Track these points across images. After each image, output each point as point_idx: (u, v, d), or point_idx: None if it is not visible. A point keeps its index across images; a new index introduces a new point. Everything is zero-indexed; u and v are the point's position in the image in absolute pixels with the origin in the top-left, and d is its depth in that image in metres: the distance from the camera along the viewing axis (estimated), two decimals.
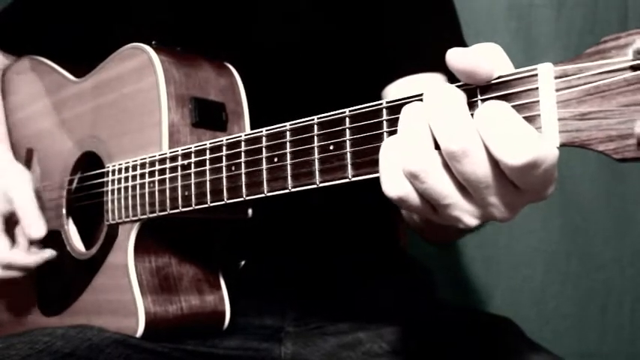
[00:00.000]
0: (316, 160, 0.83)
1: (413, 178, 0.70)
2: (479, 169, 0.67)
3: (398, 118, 0.75)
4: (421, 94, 0.74)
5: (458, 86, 0.71)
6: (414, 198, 0.72)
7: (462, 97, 0.69)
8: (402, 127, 0.71)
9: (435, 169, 0.69)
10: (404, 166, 0.70)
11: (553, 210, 2.02)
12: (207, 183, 0.99)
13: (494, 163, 0.66)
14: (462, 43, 1.31)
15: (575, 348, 1.99)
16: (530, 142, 0.63)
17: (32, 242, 1.26)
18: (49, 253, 1.27)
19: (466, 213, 0.72)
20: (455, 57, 0.68)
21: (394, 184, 0.72)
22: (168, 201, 1.06)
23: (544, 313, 2.03)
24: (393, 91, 1.28)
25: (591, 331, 2.03)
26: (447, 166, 0.69)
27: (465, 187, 0.70)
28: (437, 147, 0.69)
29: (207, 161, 1.00)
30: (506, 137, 0.64)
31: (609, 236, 2.03)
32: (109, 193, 1.17)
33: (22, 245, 1.28)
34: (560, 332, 2.01)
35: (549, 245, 2.04)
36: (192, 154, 1.02)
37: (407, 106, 0.72)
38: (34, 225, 1.23)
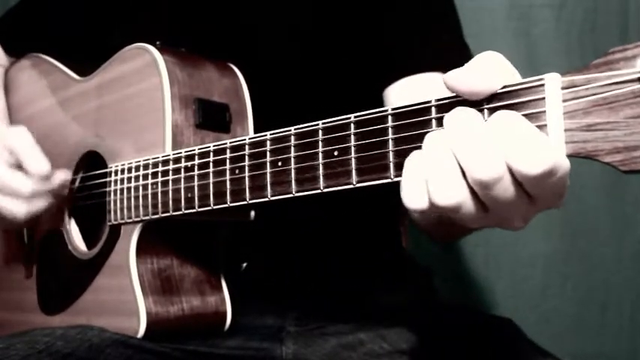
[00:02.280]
0: (320, 166, 0.83)
1: (444, 211, 0.70)
2: (507, 192, 0.67)
3: (402, 124, 0.75)
4: (427, 102, 0.74)
5: None
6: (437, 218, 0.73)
7: (484, 124, 0.68)
8: (426, 159, 0.70)
9: (467, 199, 0.69)
10: (435, 201, 0.69)
11: (553, 210, 2.01)
12: (211, 185, 0.99)
13: (517, 181, 0.66)
14: (462, 44, 1.31)
15: (575, 348, 1.99)
16: (546, 150, 0.63)
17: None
18: (63, 174, 1.23)
19: (483, 224, 0.72)
20: (451, 81, 0.69)
21: (421, 210, 0.72)
22: (170, 202, 1.06)
23: (544, 313, 2.03)
24: (395, 91, 1.28)
25: (591, 331, 2.03)
26: (473, 192, 0.69)
27: (489, 206, 0.70)
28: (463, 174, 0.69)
29: (211, 163, 1.00)
30: (521, 147, 0.64)
31: (609, 236, 2.03)
32: (112, 193, 1.16)
33: None
34: (560, 332, 2.01)
35: (549, 245, 2.04)
36: (196, 156, 1.02)
37: (429, 135, 0.71)
38: (37, 162, 1.20)
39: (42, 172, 1.20)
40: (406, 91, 1.26)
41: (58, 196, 1.24)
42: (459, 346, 1.14)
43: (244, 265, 1.27)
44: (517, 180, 0.66)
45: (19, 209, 1.21)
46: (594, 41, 1.94)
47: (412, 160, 0.71)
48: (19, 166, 1.22)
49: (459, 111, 0.69)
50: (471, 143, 0.66)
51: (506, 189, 0.67)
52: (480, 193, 0.68)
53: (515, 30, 2.03)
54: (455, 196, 0.68)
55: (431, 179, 0.69)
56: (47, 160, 1.21)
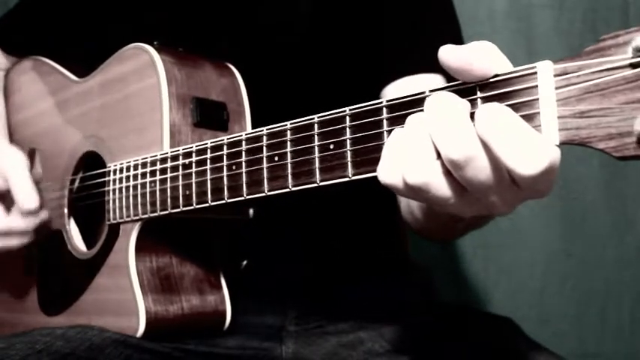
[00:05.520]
0: (316, 159, 0.83)
1: (414, 190, 0.70)
2: (481, 174, 0.67)
3: (398, 116, 0.76)
4: (421, 92, 0.74)
5: (457, 84, 0.71)
6: (416, 200, 0.74)
7: (462, 105, 0.69)
8: (403, 138, 0.71)
9: (436, 179, 0.70)
10: (405, 179, 0.70)
11: (553, 210, 2.01)
12: (208, 182, 1.00)
13: (496, 166, 0.66)
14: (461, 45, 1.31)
15: (575, 348, 1.99)
16: (542, 151, 0.63)
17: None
18: (43, 213, 1.25)
19: (465, 209, 0.72)
20: (447, 54, 0.69)
21: (394, 185, 0.72)
22: (169, 200, 1.06)
23: (544, 313, 2.03)
24: (392, 91, 1.28)
25: (591, 331, 2.03)
26: (448, 173, 0.69)
27: (467, 188, 0.70)
28: (439, 155, 0.69)
29: (209, 160, 1.00)
30: (518, 148, 0.63)
31: (609, 236, 2.03)
32: (111, 192, 1.17)
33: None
34: (560, 332, 2.01)
35: (549, 245, 2.04)
36: (194, 154, 1.03)
37: (410, 116, 0.72)
38: (27, 196, 1.21)
39: (30, 209, 1.21)
40: (404, 92, 1.26)
41: (34, 234, 1.26)
42: (459, 345, 1.14)
43: (244, 263, 1.27)
44: (495, 164, 0.66)
45: None
46: (594, 41, 1.93)
47: (392, 138, 0.72)
48: (6, 194, 1.24)
49: (440, 94, 0.70)
50: (445, 122, 0.67)
51: (480, 170, 0.66)
52: (455, 174, 0.68)
53: (516, 30, 2.03)
54: (424, 175, 0.69)
55: (403, 157, 0.70)
56: (37, 197, 1.22)
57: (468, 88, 0.71)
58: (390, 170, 0.71)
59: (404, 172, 0.70)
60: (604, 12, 1.99)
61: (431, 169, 0.69)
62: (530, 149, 0.63)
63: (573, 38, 2.01)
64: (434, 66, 1.23)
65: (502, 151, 0.64)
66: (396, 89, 1.27)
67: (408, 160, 0.69)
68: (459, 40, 1.32)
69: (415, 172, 0.69)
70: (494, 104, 0.66)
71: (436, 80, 1.25)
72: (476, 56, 0.68)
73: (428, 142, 0.69)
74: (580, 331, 2.03)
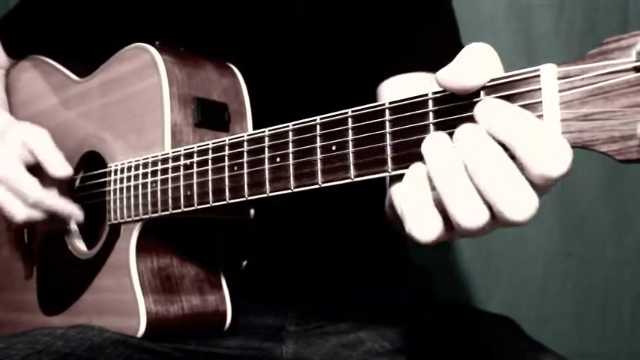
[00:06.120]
0: (318, 161, 0.83)
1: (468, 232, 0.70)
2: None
3: (400, 118, 0.76)
4: (424, 95, 0.75)
5: None
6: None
7: (460, 159, 0.68)
8: (442, 178, 0.69)
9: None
10: (461, 224, 0.68)
11: (553, 210, 2.01)
12: (210, 183, 0.99)
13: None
14: (459, 45, 1.31)
15: (574, 348, 1.98)
16: (567, 151, 0.62)
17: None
18: (77, 212, 1.25)
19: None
20: (441, 79, 0.69)
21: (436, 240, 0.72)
22: (170, 201, 1.06)
23: (544, 313, 2.03)
24: (388, 87, 1.28)
25: (591, 331, 2.03)
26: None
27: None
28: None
29: (210, 161, 1.00)
30: (546, 152, 0.62)
31: (609, 236, 2.03)
32: (111, 192, 1.17)
33: None
34: (560, 332, 2.01)
35: (549, 245, 2.04)
36: (195, 154, 1.02)
37: (414, 167, 0.72)
38: (60, 166, 1.22)
39: (63, 175, 1.22)
40: (399, 88, 1.26)
41: (56, 213, 1.25)
42: (459, 345, 1.15)
43: (244, 263, 1.27)
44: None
45: (17, 211, 1.23)
46: (594, 41, 1.92)
47: (405, 194, 0.72)
48: (33, 168, 1.23)
49: (436, 145, 0.69)
50: (452, 191, 0.67)
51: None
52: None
53: (515, 30, 2.02)
54: (480, 216, 0.68)
55: (452, 201, 0.68)
56: (69, 165, 1.23)
57: None
58: (428, 219, 0.70)
59: (458, 218, 0.68)
60: (604, 12, 1.99)
61: (484, 208, 0.68)
62: (557, 152, 0.62)
63: (573, 38, 2.00)
64: (431, 66, 1.24)
65: (528, 156, 0.63)
66: (392, 85, 1.27)
67: (459, 203, 0.68)
68: (456, 41, 1.32)
69: (471, 215, 0.68)
70: (519, 110, 0.66)
71: (431, 79, 1.25)
72: (467, 74, 0.69)
73: (470, 181, 0.68)
74: (580, 330, 2.03)
